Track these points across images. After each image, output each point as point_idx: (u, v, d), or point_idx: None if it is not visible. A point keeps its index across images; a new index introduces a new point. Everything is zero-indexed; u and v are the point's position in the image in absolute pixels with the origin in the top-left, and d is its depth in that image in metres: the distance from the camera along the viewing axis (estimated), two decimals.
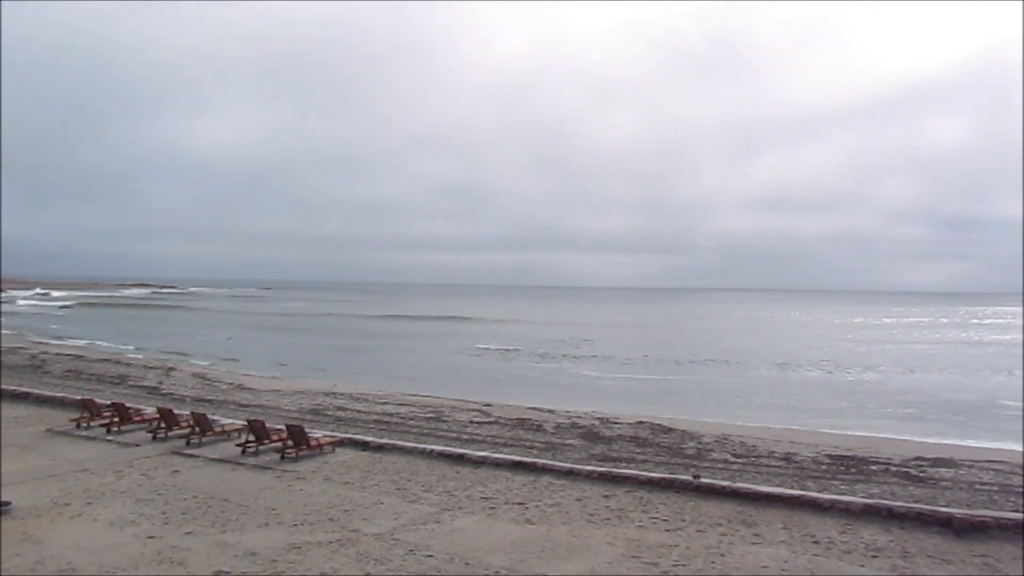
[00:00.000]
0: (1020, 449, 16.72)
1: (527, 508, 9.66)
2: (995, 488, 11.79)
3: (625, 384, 30.47)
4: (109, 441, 13.26)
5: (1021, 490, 11.62)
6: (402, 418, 17.91)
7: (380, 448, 13.16)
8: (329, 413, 18.38)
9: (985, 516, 8.98)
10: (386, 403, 20.46)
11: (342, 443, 13.37)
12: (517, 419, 18.14)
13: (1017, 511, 9.91)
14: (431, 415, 18.51)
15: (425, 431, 16.18)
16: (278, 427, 13.57)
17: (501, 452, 13.37)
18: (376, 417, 17.92)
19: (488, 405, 20.75)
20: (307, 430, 13.06)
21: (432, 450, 12.89)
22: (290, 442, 12.51)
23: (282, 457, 12.20)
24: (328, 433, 14.31)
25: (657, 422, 18.23)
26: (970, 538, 8.53)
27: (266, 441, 12.68)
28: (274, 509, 9.36)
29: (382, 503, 9.76)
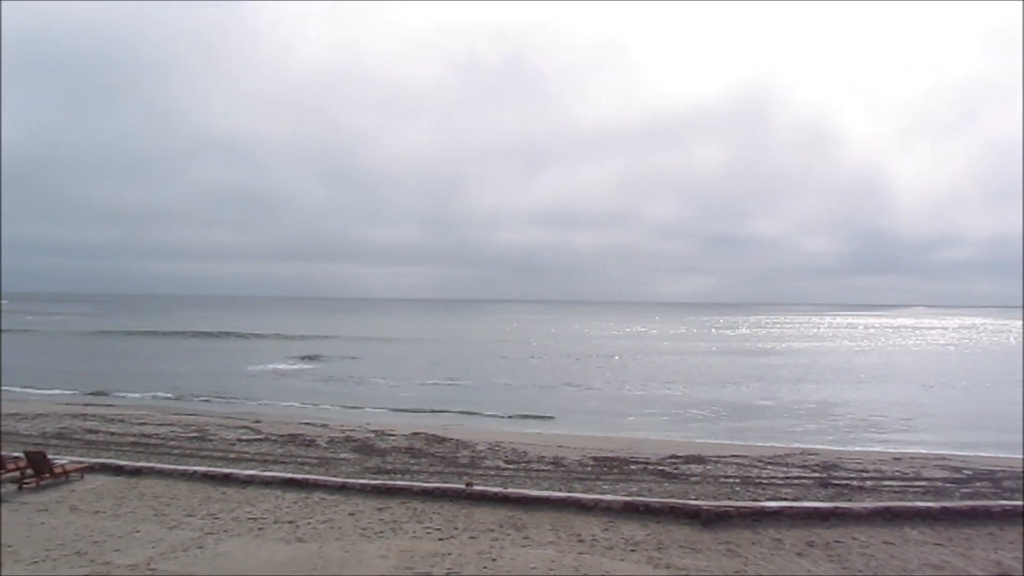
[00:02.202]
0: (759, 444, 18.57)
1: (297, 526, 9.35)
2: (737, 480, 12.93)
3: (402, 395, 30.38)
4: None
5: (759, 480, 12.84)
6: (162, 439, 16.74)
7: (136, 472, 12.23)
8: (78, 437, 16.81)
9: (728, 506, 9.83)
10: (144, 423, 19.05)
11: (92, 469, 12.29)
12: (288, 435, 17.54)
13: (756, 500, 10.93)
14: (195, 434, 17.46)
15: (188, 452, 15.21)
16: (15, 455, 12.23)
17: (271, 470, 12.87)
18: (133, 439, 16.62)
19: (258, 422, 19.92)
20: (51, 456, 11.87)
21: (195, 471, 12.16)
22: (29, 470, 11.32)
23: (20, 488, 11.00)
24: (76, 459, 13.07)
25: (432, 433, 18.36)
26: (715, 527, 9.30)
27: None
28: (10, 547, 8.39)
29: (138, 531, 9.05)
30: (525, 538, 8.89)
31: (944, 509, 10.00)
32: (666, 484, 12.44)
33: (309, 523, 9.49)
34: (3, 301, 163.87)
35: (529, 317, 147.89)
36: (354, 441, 16.93)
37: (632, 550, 8.49)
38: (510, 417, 24.77)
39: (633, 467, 14.17)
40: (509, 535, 9.01)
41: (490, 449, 16.11)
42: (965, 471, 14.35)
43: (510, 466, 14.20)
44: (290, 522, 9.52)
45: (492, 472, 13.51)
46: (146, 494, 10.92)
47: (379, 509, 10.19)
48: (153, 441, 16.42)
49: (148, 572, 7.64)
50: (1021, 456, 17.88)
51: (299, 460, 14.47)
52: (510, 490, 10.94)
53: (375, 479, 12.05)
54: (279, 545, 8.59)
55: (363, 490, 11.12)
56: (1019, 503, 10.34)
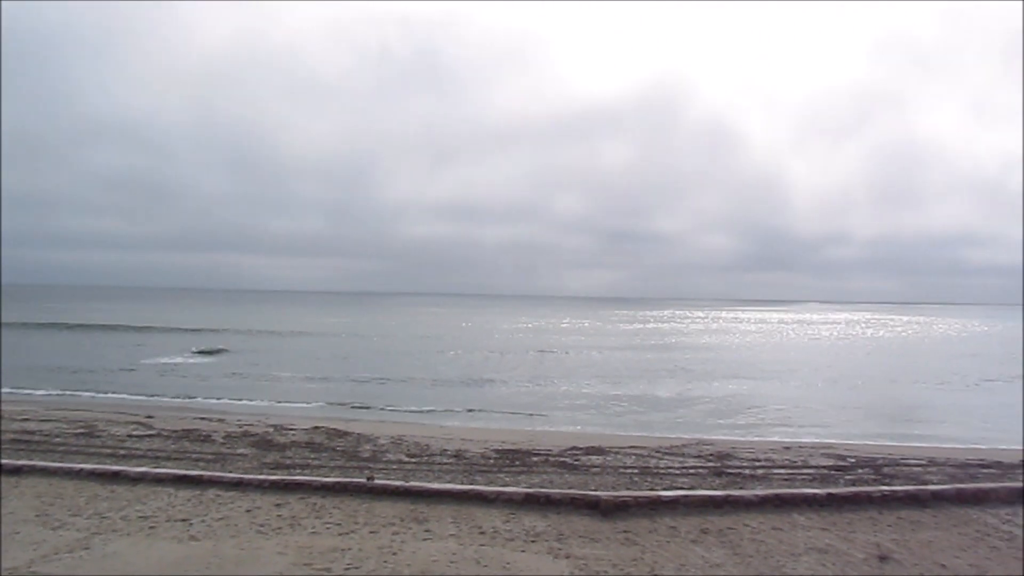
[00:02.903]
0: (658, 435, 19.06)
1: (191, 524, 9.06)
2: (636, 471, 13.22)
3: (304, 389, 29.85)
4: None
5: (656, 471, 13.16)
6: (46, 435, 15.95)
7: (16, 471, 11.61)
8: None
9: (626, 496, 10.03)
10: (27, 419, 18.13)
11: None
12: (183, 430, 17.00)
13: (654, 489, 11.19)
14: (82, 430, 16.72)
15: (74, 449, 14.55)
16: None
17: (163, 467, 12.43)
18: (13, 436, 15.77)
19: (150, 417, 19.23)
20: None
21: (81, 469, 11.62)
22: None
23: None
24: None
25: (333, 427, 18.10)
26: (615, 516, 9.48)
27: None
28: None
29: (18, 533, 8.60)
30: (426, 531, 8.86)
31: (829, 495, 10.46)
32: (567, 475, 12.61)
33: (203, 521, 9.22)
34: None
35: (435, 310, 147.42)
36: (252, 436, 16.55)
37: (533, 541, 8.58)
38: (414, 411, 24.67)
39: (535, 459, 14.31)
40: (410, 528, 8.97)
41: (393, 443, 16.00)
42: (849, 459, 15.07)
43: (412, 459, 14.14)
44: (183, 520, 9.22)
45: (394, 466, 13.42)
46: (27, 494, 10.39)
47: (277, 505, 9.97)
48: (36, 438, 15.63)
49: (28, 574, 7.28)
50: (899, 444, 18.95)
51: (193, 456, 14.03)
52: (412, 483, 10.89)
53: (273, 474, 11.80)
54: (171, 544, 8.31)
55: (260, 486, 10.87)
56: (897, 488, 10.93)
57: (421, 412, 24.43)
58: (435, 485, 10.88)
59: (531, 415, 24.42)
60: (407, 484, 10.83)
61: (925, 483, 11.96)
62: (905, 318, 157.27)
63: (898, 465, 14.36)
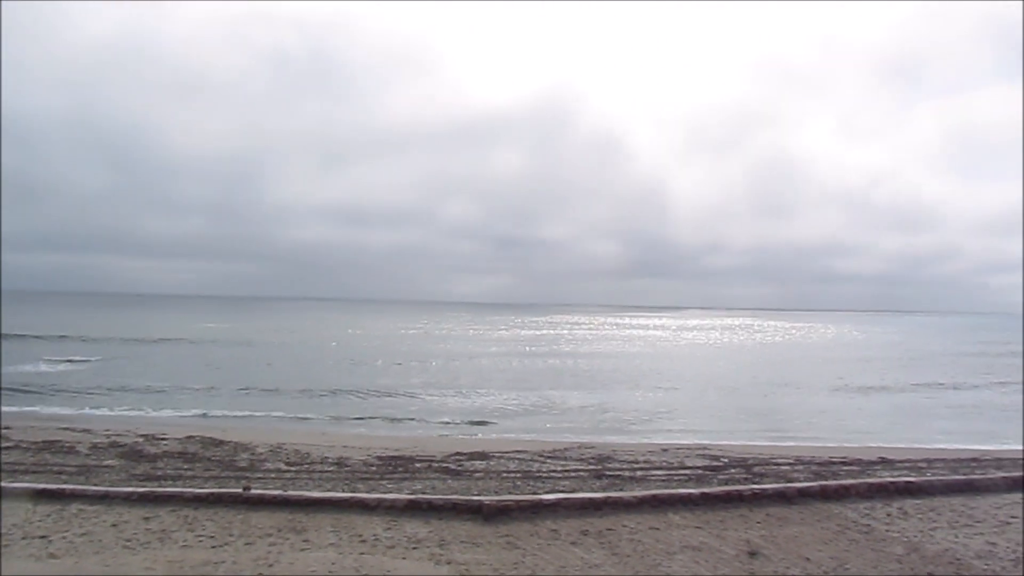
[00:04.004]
0: (541, 439, 19.29)
1: (51, 541, 8.54)
2: (518, 475, 13.31)
3: (178, 397, 28.67)
4: None
5: (539, 475, 13.29)
6: None
7: None
8: None
9: (509, 500, 10.09)
10: None
11: None
12: (44, 442, 16.04)
13: (536, 493, 11.27)
14: None
15: None
16: None
17: (20, 481, 11.68)
18: None
19: (8, 428, 18.05)
20: None
21: None
22: None
23: None
24: None
25: (209, 435, 17.47)
26: (496, 521, 9.51)
27: None
28: None
29: None
30: (305, 541, 8.66)
31: (703, 495, 10.82)
32: (450, 481, 12.58)
33: (64, 537, 8.71)
34: None
35: (320, 315, 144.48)
36: (120, 447, 15.77)
37: (414, 548, 8.51)
38: (294, 418, 24.12)
39: (418, 465, 14.21)
40: (288, 539, 8.73)
41: (271, 451, 15.57)
42: (723, 459, 15.65)
43: (292, 468, 13.80)
44: (42, 537, 8.69)
45: (272, 475, 13.05)
46: None
47: (146, 519, 9.52)
48: None
49: None
50: (770, 444, 19.83)
51: (55, 469, 13.24)
52: (290, 493, 10.62)
53: (142, 487, 11.28)
54: (28, 563, 7.82)
55: (128, 499, 10.36)
56: (767, 486, 11.43)
57: (302, 420, 23.90)
58: (315, 494, 10.64)
59: (416, 421, 24.28)
60: (285, 493, 10.56)
61: (792, 481, 12.53)
62: (780, 323, 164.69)
63: (768, 464, 15.00)
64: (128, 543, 8.54)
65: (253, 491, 10.61)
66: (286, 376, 37.06)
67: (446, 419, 24.80)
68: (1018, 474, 13.08)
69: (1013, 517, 10.53)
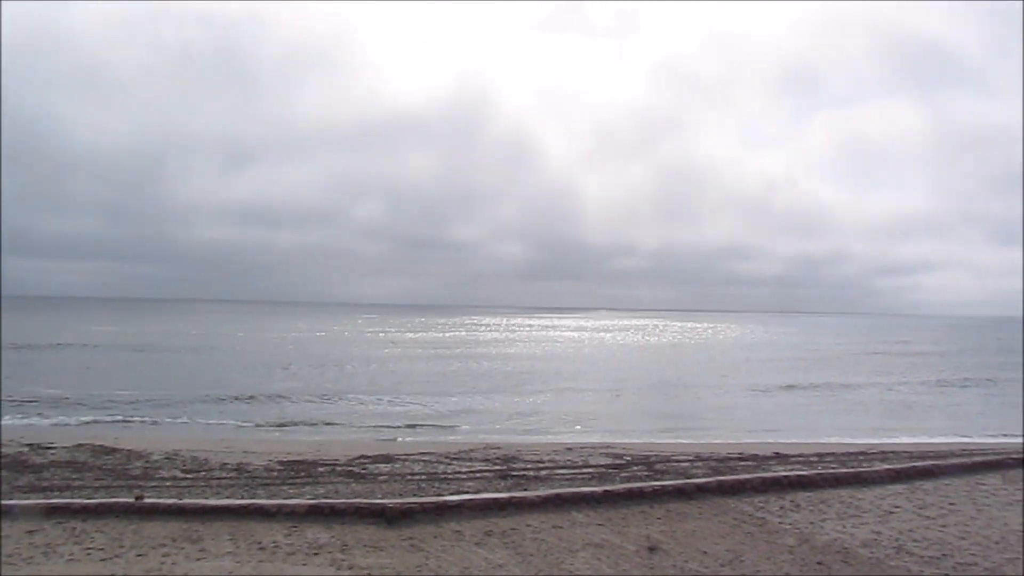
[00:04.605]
0: (447, 440, 19.26)
1: None
2: (423, 477, 13.24)
3: (69, 404, 27.39)
4: None
5: (444, 476, 13.25)
6: None
7: None
8: None
9: (412, 503, 10.03)
10: None
11: None
12: None
13: (440, 495, 11.22)
14: None
15: None
16: None
17: None
18: None
19: None
20: None
21: None
22: None
23: None
24: None
25: (100, 443, 16.75)
26: (400, 524, 9.43)
27: None
28: None
29: None
30: (201, 551, 8.39)
31: (606, 492, 11.00)
32: (354, 485, 12.41)
33: None
34: None
35: (228, 317, 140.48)
36: (3, 457, 14.96)
37: (315, 554, 8.35)
38: (192, 424, 23.38)
39: (321, 469, 13.97)
40: (183, 549, 8.45)
41: (167, 459, 15.03)
42: (625, 457, 15.94)
43: (188, 475, 13.36)
44: None
45: (168, 483, 12.61)
46: None
47: (29, 532, 9.05)
48: None
49: None
50: (671, 442, 20.31)
51: None
52: (186, 501, 10.29)
53: (26, 499, 10.74)
54: None
55: (10, 512, 9.82)
56: (667, 483, 11.70)
57: (201, 425, 23.19)
58: (212, 501, 10.34)
59: (320, 425, 23.88)
60: (180, 502, 10.22)
61: (691, 477, 12.86)
62: (686, 324, 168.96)
63: (669, 461, 15.35)
64: (9, 559, 8.10)
65: (146, 500, 10.22)
66: (185, 381, 35.85)
67: (351, 420, 24.50)
68: (901, 466, 13.77)
69: (896, 507, 11.09)
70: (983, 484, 12.88)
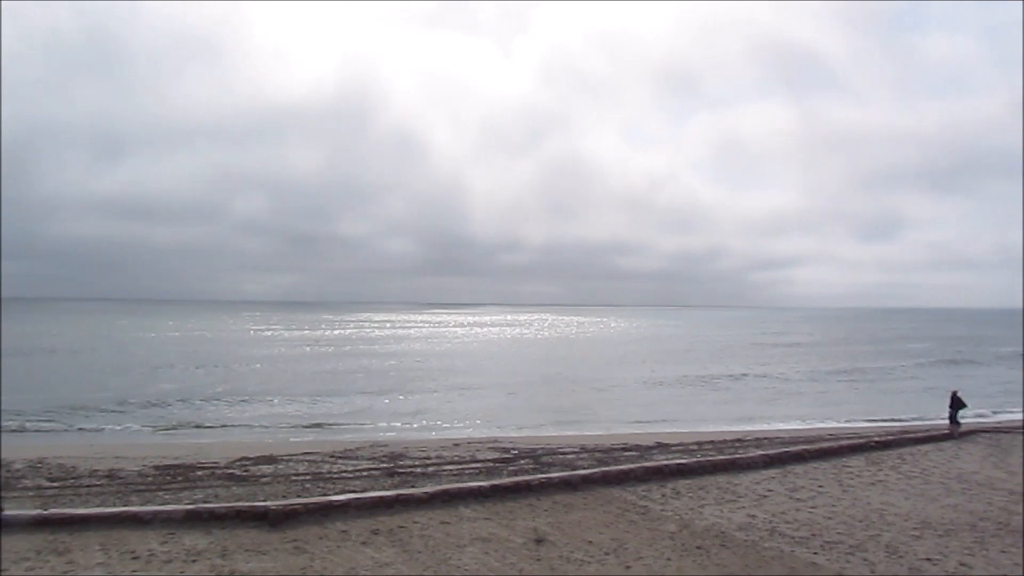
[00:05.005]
0: (332, 439, 18.93)
1: None
2: (308, 477, 12.95)
3: None
4: None
5: (329, 476, 13.01)
6: None
7: None
8: None
9: (296, 504, 9.79)
10: None
11: None
12: None
13: (326, 495, 11.01)
14: None
15: None
16: None
17: None
18: None
19: None
20: None
21: None
22: None
23: None
24: None
25: None
26: (284, 526, 9.20)
27: None
28: None
29: None
30: (68, 563, 7.95)
31: (493, 487, 11.06)
32: (235, 488, 12.02)
33: None
34: None
35: (101, 317, 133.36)
36: None
37: (194, 560, 8.05)
38: (62, 430, 22.15)
39: (200, 473, 13.46)
40: (48, 562, 7.98)
41: (31, 467, 14.14)
42: (513, 451, 16.06)
43: (55, 484, 12.60)
44: None
45: (31, 492, 11.85)
46: None
47: None
48: None
49: None
50: (557, 434, 20.62)
51: None
52: (52, 511, 9.70)
53: None
54: None
55: None
56: (553, 475, 11.87)
57: (70, 431, 22.00)
58: (80, 510, 9.78)
59: (201, 427, 23.06)
60: (46, 512, 9.63)
61: (577, 468, 13.08)
62: (575, 319, 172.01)
63: (555, 454, 15.56)
64: None
65: (6, 512, 9.59)
66: (54, 385, 33.86)
67: (238, 424, 23.77)
68: (775, 451, 14.43)
69: (770, 491, 11.61)
70: (849, 466, 13.66)
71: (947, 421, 18.90)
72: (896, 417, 25.98)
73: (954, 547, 8.82)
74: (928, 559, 8.36)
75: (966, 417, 19.62)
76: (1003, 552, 8.65)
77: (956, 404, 18.94)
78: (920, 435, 17.23)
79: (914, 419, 24.91)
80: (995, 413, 26.67)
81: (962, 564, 8.20)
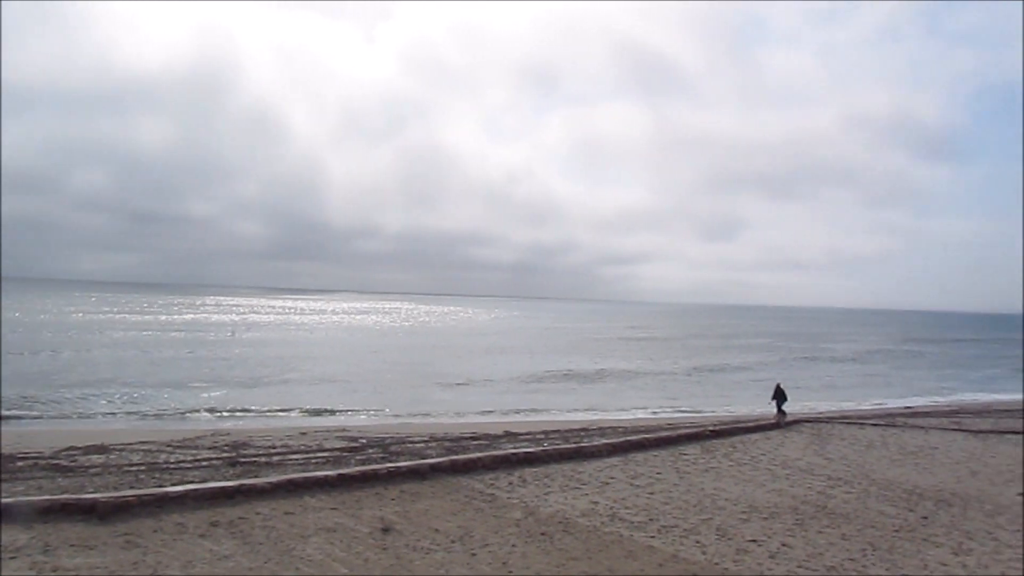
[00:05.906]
0: (171, 428, 18.09)
1: None
2: (142, 468, 12.33)
3: None
4: None
5: (166, 466, 12.45)
6: None
7: None
8: None
9: (129, 496, 9.32)
10: None
11: None
12: None
13: (161, 486, 10.52)
14: None
15: None
16: None
17: None
18: None
19: None
20: None
21: None
22: None
23: None
24: None
25: None
26: (114, 519, 8.73)
27: None
28: None
29: None
30: None
31: (340, 476, 10.94)
32: (60, 479, 11.29)
33: None
34: None
35: None
36: None
37: (12, 558, 7.52)
38: None
39: (21, 464, 12.53)
40: None
41: None
42: (361, 440, 15.91)
43: None
44: None
45: None
46: None
47: None
48: None
49: None
50: (407, 423, 20.59)
51: None
52: None
53: None
54: None
55: None
56: (401, 464, 11.85)
57: None
58: None
59: (25, 417, 21.45)
60: None
61: (425, 457, 13.11)
62: (430, 308, 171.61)
63: (404, 443, 15.52)
64: None
65: None
66: None
67: (68, 412, 22.28)
68: (617, 440, 14.97)
69: (612, 478, 12.05)
70: (685, 454, 14.36)
71: (775, 411, 20.20)
72: (730, 408, 27.50)
73: (777, 529, 9.46)
74: (754, 540, 8.93)
75: (791, 408, 21.01)
76: (819, 533, 9.36)
77: (779, 395, 20.30)
78: (750, 424, 18.36)
79: (756, 411, 26.42)
80: (818, 404, 28.75)
81: (784, 545, 8.80)
